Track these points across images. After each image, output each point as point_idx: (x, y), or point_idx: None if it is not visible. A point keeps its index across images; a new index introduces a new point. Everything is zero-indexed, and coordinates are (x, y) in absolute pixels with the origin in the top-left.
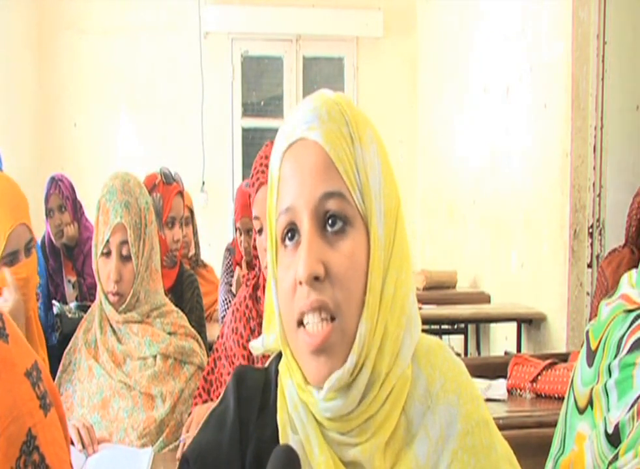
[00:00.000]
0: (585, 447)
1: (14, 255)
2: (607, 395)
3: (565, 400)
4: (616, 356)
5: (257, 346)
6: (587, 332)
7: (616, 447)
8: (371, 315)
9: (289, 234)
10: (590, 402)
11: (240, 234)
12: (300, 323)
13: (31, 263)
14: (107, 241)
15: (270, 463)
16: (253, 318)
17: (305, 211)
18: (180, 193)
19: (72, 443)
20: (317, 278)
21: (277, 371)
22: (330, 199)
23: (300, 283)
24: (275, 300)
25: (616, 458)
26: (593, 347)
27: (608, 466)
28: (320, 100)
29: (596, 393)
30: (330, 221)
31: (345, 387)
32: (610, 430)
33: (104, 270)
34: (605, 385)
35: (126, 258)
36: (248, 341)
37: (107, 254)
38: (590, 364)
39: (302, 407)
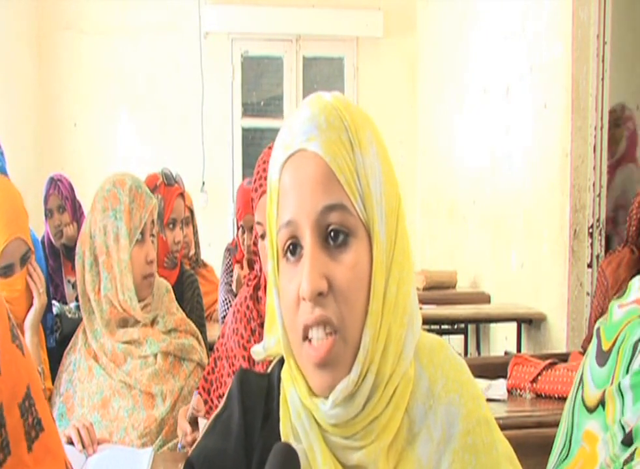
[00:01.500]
0: (598, 449)
1: (9, 268)
2: (623, 397)
3: (570, 397)
4: (631, 360)
5: (258, 351)
6: (598, 330)
7: (628, 447)
8: (375, 322)
9: (291, 247)
10: (602, 403)
11: (243, 232)
12: (305, 337)
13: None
14: (145, 224)
15: (269, 461)
16: (253, 319)
17: (306, 225)
18: (181, 195)
19: (72, 443)
20: (320, 293)
21: (279, 378)
22: (332, 212)
23: (304, 298)
24: (278, 311)
25: (631, 458)
26: (605, 348)
27: (623, 465)
28: (318, 106)
29: (609, 394)
30: (332, 233)
31: (349, 396)
32: (625, 434)
33: (140, 255)
34: (620, 387)
35: (153, 240)
36: (249, 341)
37: (140, 239)
38: (600, 364)
39: (305, 415)
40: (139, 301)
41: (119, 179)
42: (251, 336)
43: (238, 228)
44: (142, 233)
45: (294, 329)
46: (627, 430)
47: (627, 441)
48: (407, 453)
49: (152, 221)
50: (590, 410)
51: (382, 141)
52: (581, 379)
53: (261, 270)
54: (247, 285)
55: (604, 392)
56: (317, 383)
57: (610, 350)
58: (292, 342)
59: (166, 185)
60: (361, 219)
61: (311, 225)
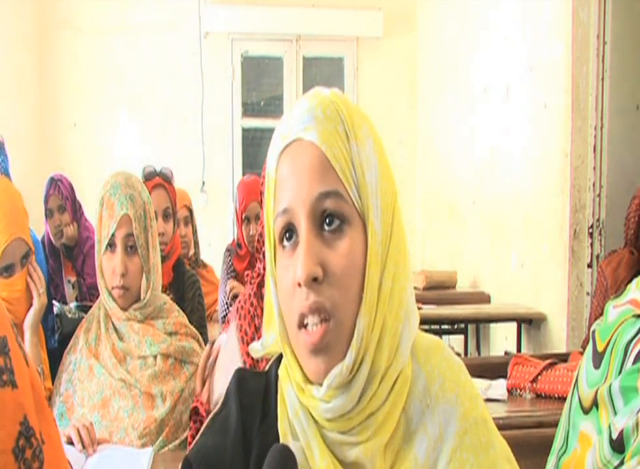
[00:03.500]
0: (588, 453)
1: (10, 268)
2: (612, 399)
3: (568, 399)
4: (623, 361)
5: (256, 349)
6: (593, 332)
7: (619, 453)
8: (369, 310)
9: (287, 235)
10: (595, 403)
11: (248, 223)
12: (301, 324)
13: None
14: (113, 234)
15: (267, 462)
16: (257, 316)
17: (302, 211)
18: (162, 185)
19: (72, 443)
20: (315, 279)
21: (277, 376)
22: (327, 199)
23: (299, 284)
24: (274, 299)
25: (621, 463)
26: (599, 349)
27: None
28: (316, 99)
29: (600, 395)
30: (327, 220)
31: (345, 385)
32: (614, 436)
33: (109, 265)
34: (610, 389)
35: (130, 252)
36: (252, 339)
37: (112, 249)
38: (596, 366)
39: (302, 412)
40: (122, 309)
41: (106, 181)
42: (255, 333)
43: (241, 222)
44: (113, 242)
45: (290, 316)
46: (615, 433)
47: (617, 444)
48: (404, 451)
49: (130, 235)
50: (586, 411)
51: (379, 138)
52: (577, 381)
53: (264, 267)
54: (251, 283)
55: (596, 392)
56: (311, 369)
57: (604, 351)
58: (289, 330)
59: (145, 181)
60: (356, 207)
61: (307, 212)
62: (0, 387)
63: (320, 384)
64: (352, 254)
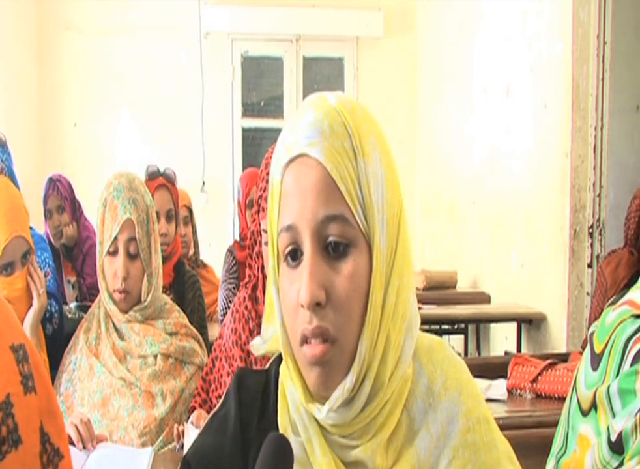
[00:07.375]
0: (587, 455)
1: (10, 266)
2: (610, 401)
3: (567, 400)
4: (621, 362)
5: (257, 345)
6: (591, 335)
7: (619, 454)
8: (372, 332)
9: (292, 253)
10: (594, 405)
11: (252, 206)
12: (303, 341)
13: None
14: (115, 238)
15: (262, 451)
16: (252, 319)
17: (306, 232)
18: (165, 186)
19: (72, 443)
20: (318, 304)
21: (277, 373)
22: (332, 222)
23: (302, 306)
24: (277, 310)
25: (621, 464)
26: (597, 351)
27: None
28: (322, 111)
29: (599, 396)
30: (332, 244)
31: (346, 401)
32: (613, 438)
33: (110, 268)
34: (609, 391)
35: (133, 256)
36: (247, 342)
37: (114, 252)
38: (594, 367)
39: (304, 408)
40: (122, 312)
41: (109, 182)
42: (250, 336)
43: (245, 209)
44: (115, 246)
45: (293, 333)
46: (614, 435)
47: (616, 446)
48: (406, 450)
49: (133, 239)
50: (584, 413)
51: (387, 145)
52: (575, 383)
53: (258, 269)
54: (245, 287)
55: (595, 394)
56: (312, 380)
57: (602, 352)
58: (292, 343)
59: (148, 180)
60: (361, 229)
61: (311, 234)
62: (28, 394)
63: (322, 403)
64: (356, 276)
